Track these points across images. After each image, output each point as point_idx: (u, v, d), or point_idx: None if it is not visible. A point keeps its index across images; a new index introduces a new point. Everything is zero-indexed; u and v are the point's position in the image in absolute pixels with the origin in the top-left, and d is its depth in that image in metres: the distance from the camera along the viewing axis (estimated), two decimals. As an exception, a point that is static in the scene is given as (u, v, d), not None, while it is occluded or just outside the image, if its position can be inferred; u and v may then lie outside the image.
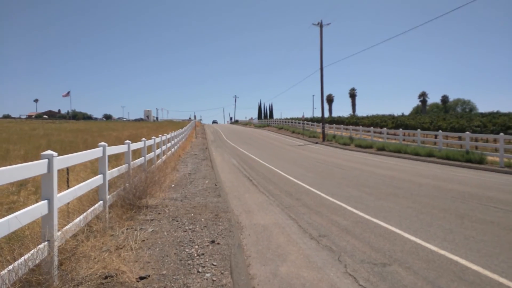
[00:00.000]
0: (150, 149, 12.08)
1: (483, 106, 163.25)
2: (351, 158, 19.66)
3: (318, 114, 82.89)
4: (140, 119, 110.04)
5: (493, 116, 37.22)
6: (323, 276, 4.30)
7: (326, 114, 71.47)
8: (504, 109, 73.29)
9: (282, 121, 64.84)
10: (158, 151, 13.37)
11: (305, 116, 57.83)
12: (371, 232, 6.03)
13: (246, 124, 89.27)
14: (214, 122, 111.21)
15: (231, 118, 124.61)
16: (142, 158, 9.98)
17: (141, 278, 4.07)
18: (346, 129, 34.05)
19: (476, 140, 23.89)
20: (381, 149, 23.53)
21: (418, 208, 7.67)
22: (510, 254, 4.87)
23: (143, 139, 10.70)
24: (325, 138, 33.47)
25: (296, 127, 50.08)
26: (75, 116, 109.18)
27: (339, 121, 50.78)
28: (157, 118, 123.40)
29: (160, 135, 14.55)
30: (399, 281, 4.09)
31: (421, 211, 7.39)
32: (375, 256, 4.92)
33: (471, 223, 6.45)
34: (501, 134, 16.64)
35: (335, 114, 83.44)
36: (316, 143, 32.08)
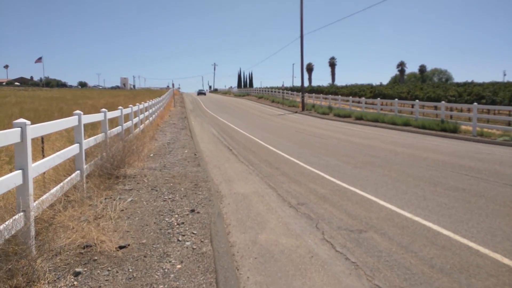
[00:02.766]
0: (127, 118, 11.81)
1: (459, 76, 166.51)
2: (329, 127, 19.84)
3: (298, 83, 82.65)
4: (117, 87, 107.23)
5: (468, 86, 38.03)
6: (301, 242, 4.40)
7: (306, 83, 71.35)
8: (478, 79, 75.05)
9: (262, 90, 64.43)
10: (135, 120, 13.10)
11: (285, 85, 57.55)
12: (348, 200, 6.17)
13: (225, 93, 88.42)
14: (201, 93, 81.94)
15: (210, 87, 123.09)
16: (119, 127, 9.77)
17: (121, 247, 4.06)
18: (326, 98, 34.17)
19: (451, 110, 24.46)
20: (359, 118, 23.82)
21: (393, 176, 7.87)
22: (479, 220, 5.09)
23: (120, 107, 10.43)
24: (305, 107, 33.55)
25: (276, 96, 49.90)
26: (49, 83, 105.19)
27: (318, 90, 50.84)
28: (134, 86, 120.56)
29: (137, 104, 14.22)
30: (374, 247, 4.24)
31: (397, 179, 7.59)
32: (352, 223, 5.06)
33: (444, 190, 6.68)
34: (475, 103, 17.06)
35: (314, 83, 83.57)
36: (296, 112, 32.15)
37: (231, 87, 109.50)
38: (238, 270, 3.72)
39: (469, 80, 51.49)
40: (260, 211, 5.65)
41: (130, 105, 12.33)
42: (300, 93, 35.24)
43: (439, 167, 8.76)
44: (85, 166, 6.05)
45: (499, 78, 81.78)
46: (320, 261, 3.90)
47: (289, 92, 48.51)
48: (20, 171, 3.61)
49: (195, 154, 10.44)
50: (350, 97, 30.83)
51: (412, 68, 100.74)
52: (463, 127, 17.03)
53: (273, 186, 7.13)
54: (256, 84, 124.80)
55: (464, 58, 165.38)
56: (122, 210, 5.41)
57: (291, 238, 4.54)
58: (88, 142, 6.52)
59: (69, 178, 5.25)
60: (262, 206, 5.88)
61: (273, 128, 18.79)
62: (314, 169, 8.65)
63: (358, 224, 5.02)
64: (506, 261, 3.79)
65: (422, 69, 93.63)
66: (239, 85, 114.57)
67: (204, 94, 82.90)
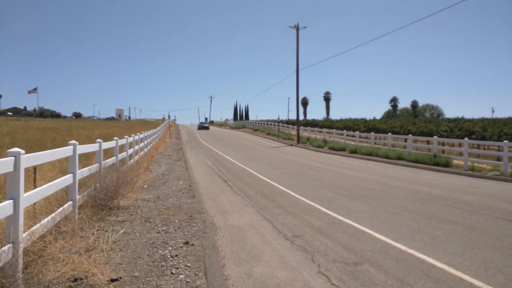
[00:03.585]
0: (122, 148, 11.85)
1: (450, 111, 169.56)
2: (324, 160, 19.95)
3: (293, 116, 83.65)
4: (112, 118, 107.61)
5: (459, 121, 38.74)
6: (297, 275, 4.35)
7: (301, 117, 72.26)
8: (468, 115, 76.27)
9: (258, 123, 65.04)
10: (130, 151, 13.13)
11: (281, 118, 58.23)
12: (344, 232, 6.15)
13: (221, 125, 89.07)
14: (203, 126, 63.89)
15: (206, 119, 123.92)
16: (114, 157, 9.79)
17: (113, 280, 3.99)
18: (320, 131, 34.53)
19: (443, 144, 24.77)
20: (354, 152, 24.01)
21: (388, 209, 7.88)
22: (473, 252, 5.09)
23: (115, 138, 10.49)
24: (300, 140, 33.82)
25: (271, 129, 50.35)
26: (43, 113, 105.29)
27: (313, 123, 51.44)
28: (129, 117, 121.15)
29: (132, 135, 14.30)
30: (370, 280, 4.20)
31: (391, 212, 7.60)
32: (347, 255, 5.03)
33: (438, 223, 6.69)
34: (466, 138, 17.33)
35: (309, 116, 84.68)
36: (291, 145, 32.36)
37: (227, 119, 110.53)
38: (232, 303, 3.65)
39: (460, 116, 52.36)
40: (255, 243, 5.61)
41: (126, 136, 12.40)
42: (296, 126, 35.64)
43: (433, 201, 8.79)
44: (78, 197, 6.02)
45: (488, 114, 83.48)
46: (316, 295, 3.85)
47: (285, 125, 49.05)
48: (11, 201, 3.59)
49: (190, 186, 10.41)
50: (345, 130, 31.23)
51: (404, 103, 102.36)
52: (455, 161, 17.21)
53: (269, 218, 7.10)
54: (252, 116, 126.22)
55: (454, 94, 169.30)
56: (115, 242, 5.34)
57: (287, 271, 4.50)
58: (82, 172, 6.52)
59: (61, 208, 5.21)
60: (258, 239, 5.84)
61: (268, 160, 18.85)
62: (310, 201, 8.65)
63: (354, 256, 4.99)
64: (502, 295, 3.77)
65: (414, 104, 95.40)
66: (235, 118, 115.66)
67: (207, 128, 63.38)
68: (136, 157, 14.53)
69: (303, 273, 4.43)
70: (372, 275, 4.34)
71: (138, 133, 16.65)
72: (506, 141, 15.15)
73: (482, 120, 42.43)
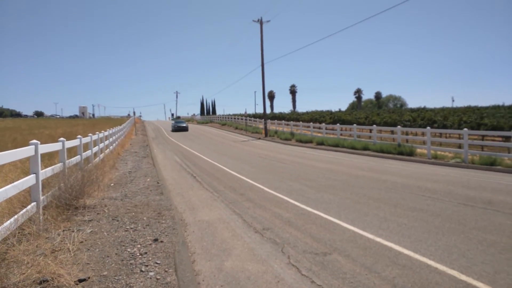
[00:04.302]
0: (86, 147, 11.46)
1: (412, 102, 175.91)
2: (292, 152, 20.16)
3: (260, 110, 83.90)
4: (75, 116, 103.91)
5: (421, 111, 40.22)
6: (268, 268, 4.38)
7: (268, 110, 72.70)
8: (429, 105, 79.42)
9: (225, 117, 64.77)
10: (95, 149, 12.72)
11: (248, 112, 58.26)
12: (313, 223, 6.24)
13: (188, 120, 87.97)
14: (180, 127, 44.93)
15: (172, 115, 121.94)
16: (78, 156, 9.45)
17: (80, 280, 3.86)
18: (287, 124, 34.84)
19: (407, 134, 25.68)
20: (321, 143, 24.41)
21: (355, 199, 8.08)
22: (437, 238, 5.30)
23: (79, 136, 10.12)
24: (267, 133, 33.99)
25: (239, 123, 50.27)
26: (2, 113, 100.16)
27: (280, 117, 51.83)
28: (93, 115, 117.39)
29: (97, 132, 13.84)
30: (339, 269, 4.29)
31: (358, 201, 7.80)
32: (317, 246, 5.11)
33: (403, 211, 6.92)
34: (428, 128, 18.00)
35: (276, 110, 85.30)
36: (259, 138, 32.47)
37: (194, 114, 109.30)
38: (204, 299, 3.63)
39: (422, 106, 54.57)
40: (225, 238, 5.59)
41: (90, 134, 11.99)
42: (263, 119, 35.76)
43: (398, 189, 9.09)
44: (41, 197, 5.77)
45: (448, 104, 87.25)
46: (286, 286, 3.89)
47: (252, 119, 49.09)
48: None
49: (158, 183, 10.23)
50: (311, 123, 31.64)
51: (368, 94, 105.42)
52: (418, 150, 17.86)
53: (238, 212, 7.09)
54: (219, 111, 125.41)
55: (416, 84, 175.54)
56: (82, 241, 5.16)
57: (257, 264, 4.51)
58: (45, 172, 6.25)
59: (24, 210, 4.99)
60: (228, 233, 5.82)
61: (237, 154, 18.82)
62: (279, 194, 8.72)
63: (323, 247, 5.08)
64: (463, 277, 3.95)
65: (378, 95, 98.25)
66: (202, 113, 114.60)
67: (185, 128, 45.00)
68: (101, 155, 14.10)
69: (273, 265, 4.47)
70: (341, 264, 4.43)
71: (103, 131, 16.16)
72: (466, 129, 15.86)
73: (443, 109, 44.35)
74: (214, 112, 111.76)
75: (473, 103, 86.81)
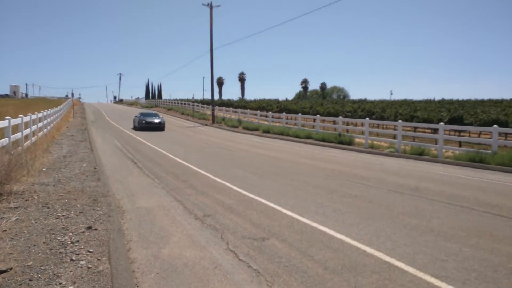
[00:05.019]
0: (16, 129, 10.63)
1: (355, 93, 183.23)
2: (238, 140, 20.24)
3: (208, 96, 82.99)
4: (6, 96, 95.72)
5: (362, 103, 42.15)
6: (206, 254, 4.39)
7: (216, 97, 72.01)
8: (370, 97, 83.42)
9: (172, 102, 63.28)
10: (26, 131, 11.85)
11: (195, 98, 57.32)
12: (254, 209, 6.34)
13: (132, 104, 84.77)
14: (148, 124, 24.76)
15: (115, 97, 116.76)
16: (6, 138, 8.75)
17: (1, 272, 3.60)
18: (235, 112, 34.84)
19: (347, 124, 26.76)
20: (267, 131, 24.74)
21: (296, 185, 8.31)
22: (367, 223, 5.63)
23: (8, 117, 9.36)
24: (215, 120, 33.76)
25: (186, 109, 49.39)
26: None
27: (228, 104, 51.66)
28: (26, 95, 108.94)
29: (29, 114, 12.88)
30: (275, 253, 4.41)
31: (298, 188, 8.04)
32: (255, 231, 5.21)
33: (339, 197, 7.25)
34: (367, 119, 18.91)
35: (225, 97, 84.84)
36: (206, 125, 32.17)
37: (138, 98, 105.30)
38: (138, 287, 3.56)
39: (363, 98, 57.19)
40: (164, 225, 5.50)
41: (21, 115, 11.13)
42: (211, 106, 35.42)
43: (336, 176, 9.49)
44: (-42, 183, 5.27)
45: (387, 97, 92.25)
46: (224, 271, 3.93)
47: (200, 104, 48.47)
48: None
49: (95, 168, 9.78)
50: (258, 111, 31.93)
51: (314, 85, 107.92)
52: (357, 140, 18.73)
53: (180, 199, 7.01)
54: (166, 96, 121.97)
55: (358, 77, 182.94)
56: (5, 230, 4.81)
57: (196, 250, 4.50)
58: (-37, 155, 5.71)
59: None
60: (167, 220, 5.74)
61: (182, 140, 18.51)
62: (222, 180, 8.73)
63: (261, 232, 5.18)
64: (387, 258, 4.24)
65: (323, 86, 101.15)
66: (147, 97, 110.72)
67: (160, 126, 25.42)
68: (33, 138, 13.17)
69: (211, 251, 4.48)
70: (277, 249, 4.55)
71: (36, 112, 15.06)
72: (400, 120, 16.87)
73: (382, 101, 46.82)
74: (160, 96, 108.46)
75: (409, 96, 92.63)
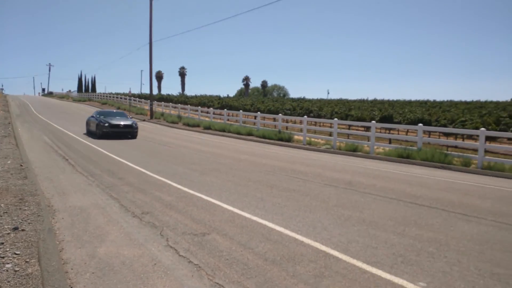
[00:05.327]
0: None
1: (294, 92, 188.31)
2: (178, 136, 19.89)
3: (146, 90, 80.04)
4: None
5: (300, 101, 43.49)
6: (144, 251, 4.29)
7: (155, 91, 69.87)
8: (308, 96, 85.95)
9: (107, 96, 60.26)
10: None
11: (132, 92, 55.17)
12: (194, 205, 6.30)
13: (63, 97, 79.41)
14: (120, 129, 17.52)
15: (43, 90, 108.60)
16: None
17: None
18: (175, 107, 34.15)
19: (287, 122, 27.47)
20: (208, 128, 24.58)
21: (236, 181, 8.39)
22: (305, 215, 5.86)
23: None
24: (153, 115, 32.81)
25: (122, 103, 47.35)
26: None
27: (168, 99, 50.48)
28: None
29: None
30: (216, 247, 4.44)
31: (239, 183, 8.12)
32: (196, 227, 5.19)
33: (279, 191, 7.45)
34: (305, 116, 19.59)
35: (164, 91, 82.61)
36: (144, 120, 31.15)
37: (69, 91, 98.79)
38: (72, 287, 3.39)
39: (302, 96, 59.03)
40: (99, 223, 5.27)
41: None
42: (149, 101, 34.35)
43: (275, 172, 9.73)
44: None
45: (324, 95, 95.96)
46: (163, 268, 3.87)
47: (137, 99, 46.77)
48: None
49: (22, 165, 9.07)
50: (199, 107, 31.58)
51: (255, 83, 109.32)
52: (296, 137, 19.31)
53: (116, 197, 6.75)
54: (100, 89, 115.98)
55: (298, 76, 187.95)
56: None
57: (134, 248, 4.38)
58: None
59: None
60: (103, 219, 5.50)
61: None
62: (161, 177, 8.55)
63: (202, 227, 5.17)
64: (323, 248, 4.46)
65: (264, 84, 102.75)
66: (79, 89, 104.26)
67: (131, 131, 18.04)
68: None
69: (150, 248, 4.40)
70: (218, 243, 4.58)
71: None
72: (336, 119, 17.68)
73: (319, 100, 48.74)
74: (94, 89, 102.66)
75: (344, 96, 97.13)
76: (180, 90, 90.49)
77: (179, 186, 7.68)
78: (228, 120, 26.13)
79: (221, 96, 56.39)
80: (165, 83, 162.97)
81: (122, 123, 17.71)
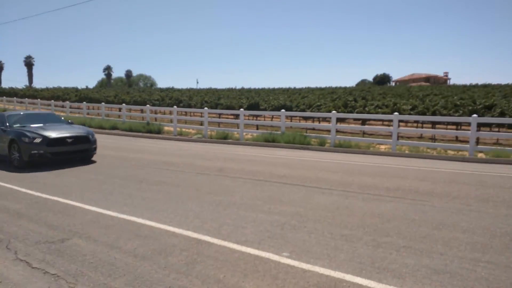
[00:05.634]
0: None
1: (162, 82, 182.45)
2: (29, 135, 17.41)
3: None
4: None
5: (169, 91, 42.56)
6: (-15, 271, 3.63)
7: (-5, 85, 59.55)
8: (178, 85, 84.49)
9: None
10: None
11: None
12: (49, 210, 5.60)
13: None
14: (65, 135, 9.46)
15: None
16: None
17: None
18: (21, 102, 29.76)
19: (156, 113, 26.55)
20: (65, 124, 22.13)
21: (101, 179, 7.76)
22: (177, 206, 5.75)
23: None
24: (-6, 113, 28.02)
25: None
26: None
27: (12, 93, 43.72)
28: None
29: None
30: (78, 252, 4.02)
31: (104, 181, 7.53)
32: (53, 234, 4.61)
33: (148, 185, 7.16)
34: (175, 107, 19.24)
35: (6, 84, 71.25)
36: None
37: None
38: None
39: (170, 86, 57.71)
40: None
41: None
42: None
43: (144, 166, 9.32)
44: None
45: (193, 85, 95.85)
46: (12, 285, 3.34)
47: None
48: None
49: None
50: (53, 101, 28.17)
51: (119, 72, 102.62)
52: (166, 128, 18.87)
53: None
54: None
55: (165, 65, 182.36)
56: None
57: (-30, 269, 3.66)
58: None
59: None
60: None
61: None
62: (5, 183, 7.37)
63: (61, 233, 4.63)
64: (195, 235, 4.45)
65: (129, 74, 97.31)
66: None
67: (87, 148, 9.99)
68: None
69: (-6, 266, 3.74)
70: (80, 247, 4.16)
71: None
72: (206, 108, 17.80)
73: (189, 90, 48.38)
74: None
75: (214, 85, 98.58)
76: (27, 82, 79.23)
77: (29, 191, 6.72)
78: (88, 114, 23.98)
79: (79, 87, 51.27)
80: (7, 75, 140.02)
81: (71, 134, 9.75)
